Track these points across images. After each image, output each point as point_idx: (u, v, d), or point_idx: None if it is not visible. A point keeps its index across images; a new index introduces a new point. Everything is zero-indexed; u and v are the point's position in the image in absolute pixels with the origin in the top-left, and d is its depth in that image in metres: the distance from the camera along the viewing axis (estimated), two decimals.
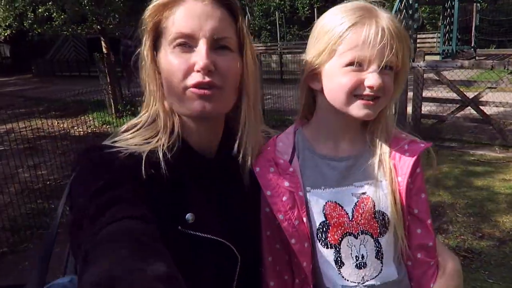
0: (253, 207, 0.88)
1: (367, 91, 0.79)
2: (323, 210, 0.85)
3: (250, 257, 0.86)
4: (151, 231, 0.62)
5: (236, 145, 0.83)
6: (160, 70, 0.78)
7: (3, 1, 8.17)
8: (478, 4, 16.11)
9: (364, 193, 0.85)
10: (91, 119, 7.69)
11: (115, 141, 0.77)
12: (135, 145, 0.76)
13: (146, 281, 0.49)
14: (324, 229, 0.85)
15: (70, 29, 8.95)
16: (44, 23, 8.74)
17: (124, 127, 0.83)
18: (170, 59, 0.74)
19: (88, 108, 8.39)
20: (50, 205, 4.19)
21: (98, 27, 8.80)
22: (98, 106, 8.06)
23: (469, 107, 5.64)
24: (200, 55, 0.72)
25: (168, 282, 0.51)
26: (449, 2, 15.00)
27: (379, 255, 0.86)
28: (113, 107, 8.08)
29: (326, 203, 0.85)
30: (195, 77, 0.73)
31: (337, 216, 0.85)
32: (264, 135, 0.94)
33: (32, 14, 8.46)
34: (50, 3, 8.09)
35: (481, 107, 5.54)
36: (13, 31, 8.91)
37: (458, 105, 5.79)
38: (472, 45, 16.20)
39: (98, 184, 0.67)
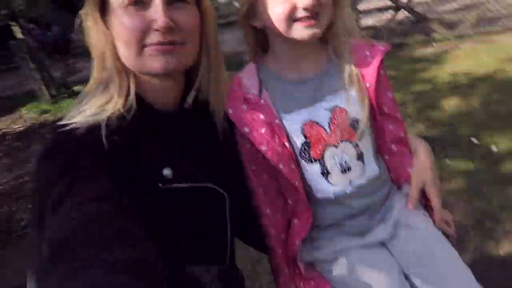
0: (229, 149, 0.89)
1: (302, 13, 0.80)
2: (302, 132, 0.88)
3: (236, 196, 0.86)
4: (120, 211, 0.60)
5: (202, 95, 0.84)
6: (112, 32, 0.73)
7: None
8: None
9: (336, 106, 0.89)
10: (25, 112, 7.15)
11: (69, 118, 0.73)
12: (91, 116, 0.71)
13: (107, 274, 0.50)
14: (306, 148, 0.89)
15: None
16: None
17: (76, 101, 0.78)
18: (125, 20, 0.70)
19: (20, 101, 7.77)
20: (11, 208, 3.96)
21: (5, 11, 7.92)
22: (29, 97, 7.47)
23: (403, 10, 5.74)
24: (157, 13, 0.69)
25: (132, 268, 0.51)
26: None
27: (360, 157, 0.91)
28: (47, 94, 7.52)
29: (303, 124, 0.88)
30: (155, 36, 0.70)
31: (315, 133, 0.89)
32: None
33: None
34: None
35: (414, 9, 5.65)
36: None
37: (394, 13, 5.87)
38: None
39: (58, 168, 0.65)
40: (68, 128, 0.69)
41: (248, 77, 0.92)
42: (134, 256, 0.54)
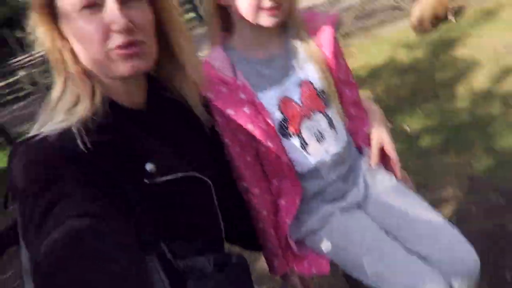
0: (208, 134, 0.91)
1: (268, 4, 0.86)
2: (279, 109, 0.93)
3: (221, 180, 0.88)
4: (104, 225, 0.59)
5: (170, 87, 0.85)
6: (68, 37, 0.71)
7: None
8: None
9: (302, 79, 0.95)
10: None
11: (38, 128, 0.70)
12: (60, 122, 0.69)
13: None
14: (285, 124, 0.94)
15: None
16: None
17: (43, 108, 0.74)
18: (81, 25, 0.68)
19: None
20: None
21: None
22: None
23: None
24: (113, 15, 0.67)
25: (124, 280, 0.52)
26: None
27: (332, 125, 0.99)
28: None
29: (279, 101, 0.93)
30: (117, 39, 0.68)
31: (291, 109, 0.94)
32: None
33: None
34: None
35: None
36: None
37: None
38: None
39: (38, 183, 0.62)
40: (39, 138, 0.67)
41: (218, 59, 0.94)
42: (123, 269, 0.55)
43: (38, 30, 0.71)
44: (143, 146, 0.76)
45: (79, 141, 0.66)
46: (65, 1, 0.68)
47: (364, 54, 5.17)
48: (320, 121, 0.97)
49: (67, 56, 0.72)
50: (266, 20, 0.88)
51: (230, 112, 0.89)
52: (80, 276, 0.51)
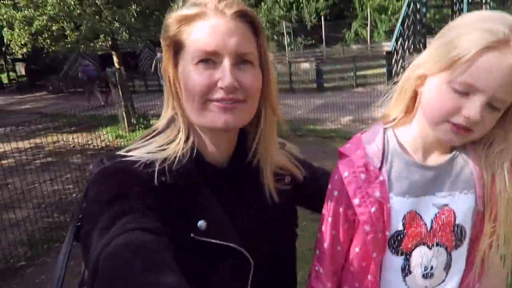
0: (274, 212, 0.88)
1: (461, 120, 0.72)
2: (402, 219, 0.82)
3: (267, 260, 0.87)
4: (163, 244, 0.63)
5: (251, 154, 0.86)
6: (180, 82, 0.78)
7: (17, 21, 8.43)
8: (488, 6, 15.96)
9: (446, 205, 0.81)
10: (104, 133, 7.83)
11: (130, 149, 0.79)
12: (149, 153, 0.77)
13: None
14: (399, 238, 0.82)
15: (83, 46, 9.17)
16: (58, 41, 8.97)
17: (142, 135, 0.85)
18: (193, 75, 0.75)
19: (102, 123, 8.53)
20: (66, 219, 4.25)
21: (110, 43, 9.00)
22: (111, 120, 8.17)
23: None
24: (224, 73, 0.74)
25: None
26: (458, 5, 14.89)
27: (447, 267, 0.84)
28: (125, 121, 8.21)
29: (407, 212, 0.82)
30: (219, 93, 0.74)
31: (415, 225, 0.82)
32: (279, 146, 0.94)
33: (48, 32, 8.71)
34: (65, 21, 8.33)
35: None
36: (29, 49, 9.17)
37: None
38: None
39: (109, 194, 0.69)
40: (127, 159, 0.75)
41: (372, 142, 0.84)
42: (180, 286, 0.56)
43: (164, 63, 0.81)
44: (207, 202, 0.79)
45: (155, 177, 0.72)
46: (186, 52, 0.76)
47: None
48: (439, 257, 0.83)
49: (176, 99, 0.80)
50: (445, 134, 0.76)
51: (356, 202, 0.81)
52: (139, 280, 0.54)
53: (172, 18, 0.78)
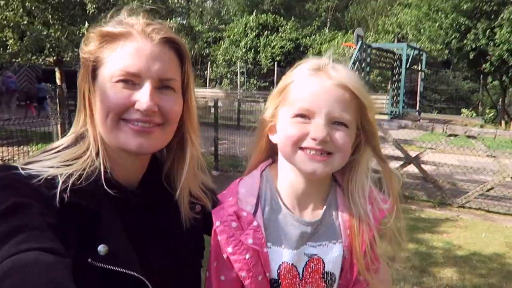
0: (185, 240, 0.86)
1: (310, 143, 0.77)
2: (277, 269, 0.83)
3: None
4: (63, 265, 0.57)
5: (165, 179, 0.85)
6: (96, 98, 0.76)
7: None
8: (422, 73, 17.72)
9: (315, 254, 0.85)
10: (34, 149, 7.26)
11: (30, 162, 0.73)
12: (51, 167, 0.71)
13: None
14: (275, 286, 0.84)
15: (25, 58, 8.66)
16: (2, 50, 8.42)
17: (44, 148, 0.79)
18: (110, 93, 0.73)
19: (33, 139, 7.93)
20: None
21: (54, 58, 8.60)
22: (44, 137, 7.62)
23: (411, 165, 5.98)
24: (144, 96, 0.73)
25: None
26: (397, 68, 16.36)
27: None
28: (60, 139, 7.71)
29: (282, 263, 0.84)
30: (135, 114, 0.74)
31: (290, 277, 0.84)
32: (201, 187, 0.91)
33: None
34: (6, 29, 7.87)
35: (422, 165, 5.91)
36: None
37: (402, 163, 6.13)
38: (417, 109, 17.55)
39: (3, 206, 0.61)
40: (25, 172, 0.68)
41: (248, 188, 0.87)
42: None
43: (81, 82, 0.78)
44: (109, 226, 0.73)
45: (57, 192, 0.67)
46: (107, 69, 0.74)
47: (469, 233, 4.63)
48: None
49: (88, 116, 0.77)
50: (303, 163, 0.79)
51: (229, 250, 0.81)
52: None
53: (95, 32, 0.76)
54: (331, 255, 0.85)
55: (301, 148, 0.79)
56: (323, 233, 0.86)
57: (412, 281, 3.45)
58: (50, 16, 7.93)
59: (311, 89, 0.78)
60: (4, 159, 7.23)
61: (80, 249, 0.68)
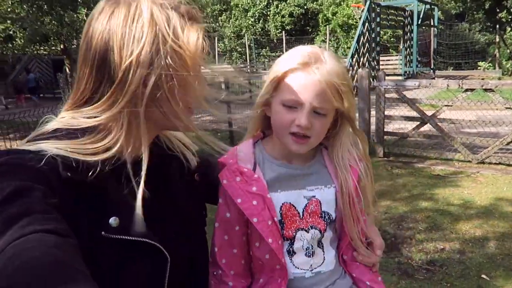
0: (189, 207, 0.91)
1: (296, 129, 0.91)
2: (280, 210, 0.96)
3: (184, 257, 0.85)
4: (70, 246, 0.58)
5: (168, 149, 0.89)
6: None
7: None
8: (435, 29, 17.06)
9: (313, 196, 0.99)
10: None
11: (35, 141, 0.71)
12: (57, 148, 0.70)
13: None
14: (281, 226, 0.96)
15: (31, 49, 8.71)
16: (4, 43, 8.48)
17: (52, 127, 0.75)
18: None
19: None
20: None
21: (61, 47, 8.62)
22: None
23: (428, 124, 5.87)
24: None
25: None
26: (408, 26, 15.80)
27: (320, 244, 1.00)
28: None
29: (282, 204, 0.97)
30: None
31: (290, 215, 0.97)
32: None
33: None
34: (9, 21, 7.88)
35: (439, 123, 5.78)
36: None
37: (418, 123, 6.01)
38: (432, 67, 17.05)
39: (5, 191, 0.61)
40: (29, 155, 0.67)
41: (244, 151, 1.00)
42: None
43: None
44: (117, 198, 0.74)
45: (60, 172, 0.67)
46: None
47: (490, 188, 4.56)
48: (315, 237, 0.99)
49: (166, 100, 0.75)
50: (291, 145, 0.94)
51: (239, 200, 0.92)
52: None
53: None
54: (327, 197, 0.99)
55: (290, 133, 0.92)
56: (317, 179, 1.00)
57: (434, 240, 3.46)
58: (43, 2, 7.84)
59: (300, 83, 0.91)
60: None
61: (91, 225, 0.69)
